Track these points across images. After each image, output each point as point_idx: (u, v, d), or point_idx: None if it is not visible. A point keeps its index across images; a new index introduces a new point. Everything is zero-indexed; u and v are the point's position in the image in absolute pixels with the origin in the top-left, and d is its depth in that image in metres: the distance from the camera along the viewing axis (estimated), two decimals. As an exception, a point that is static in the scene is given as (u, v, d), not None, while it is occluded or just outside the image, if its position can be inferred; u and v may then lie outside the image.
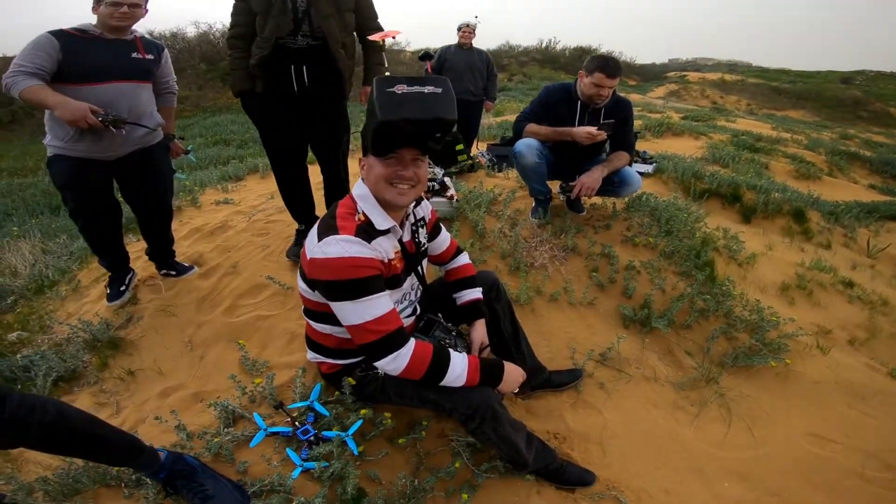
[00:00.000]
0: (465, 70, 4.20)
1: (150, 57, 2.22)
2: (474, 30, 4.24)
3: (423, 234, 1.57)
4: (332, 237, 1.25)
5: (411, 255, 1.51)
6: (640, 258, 2.72)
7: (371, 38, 2.29)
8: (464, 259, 1.74)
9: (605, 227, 2.92)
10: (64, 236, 3.88)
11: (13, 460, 1.63)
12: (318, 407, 1.59)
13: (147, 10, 2.13)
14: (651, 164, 4.96)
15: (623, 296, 2.53)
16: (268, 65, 2.19)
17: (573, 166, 2.78)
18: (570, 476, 1.62)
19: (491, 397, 1.36)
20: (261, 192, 3.97)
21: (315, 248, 1.26)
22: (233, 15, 2.24)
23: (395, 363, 1.26)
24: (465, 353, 1.40)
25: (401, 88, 1.13)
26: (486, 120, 5.32)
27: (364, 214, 1.34)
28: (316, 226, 1.36)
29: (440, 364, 1.29)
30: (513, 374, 1.43)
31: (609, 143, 2.79)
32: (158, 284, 2.54)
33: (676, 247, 2.77)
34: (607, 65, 2.45)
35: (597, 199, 3.13)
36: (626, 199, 3.08)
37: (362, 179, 1.39)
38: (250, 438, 1.55)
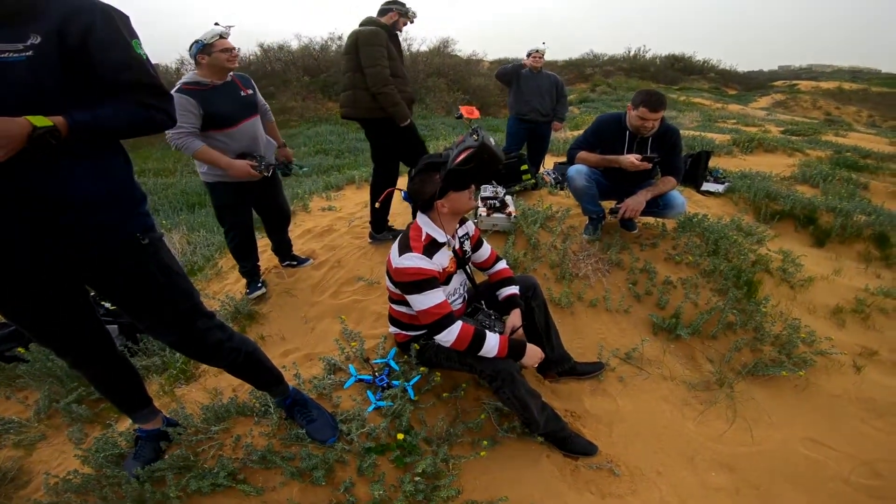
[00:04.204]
0: (535, 92, 4.64)
1: (250, 91, 2.52)
2: (543, 55, 4.68)
3: (467, 245, 2.14)
4: (408, 254, 1.86)
5: (460, 258, 2.08)
6: (681, 275, 2.99)
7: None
8: (502, 265, 2.26)
9: (652, 245, 3.21)
10: (203, 231, 4.86)
11: (178, 399, 2.23)
12: (393, 363, 2.20)
13: None
14: (723, 182, 4.97)
15: (657, 307, 2.84)
16: None
17: (623, 189, 3.12)
18: (576, 446, 2.03)
19: (512, 366, 1.86)
20: (357, 200, 4.72)
21: (398, 260, 1.88)
22: (382, 57, 2.79)
23: (447, 336, 1.82)
24: (497, 333, 1.92)
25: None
26: (559, 135, 5.65)
27: (427, 235, 1.92)
28: (397, 243, 1.96)
29: (478, 339, 1.83)
30: (532, 352, 1.93)
31: (659, 169, 3.10)
32: (282, 272, 3.33)
33: (717, 265, 3.00)
34: (650, 100, 2.75)
35: (649, 220, 3.42)
36: (676, 219, 3.35)
37: (425, 214, 1.96)
38: (344, 383, 2.16)
